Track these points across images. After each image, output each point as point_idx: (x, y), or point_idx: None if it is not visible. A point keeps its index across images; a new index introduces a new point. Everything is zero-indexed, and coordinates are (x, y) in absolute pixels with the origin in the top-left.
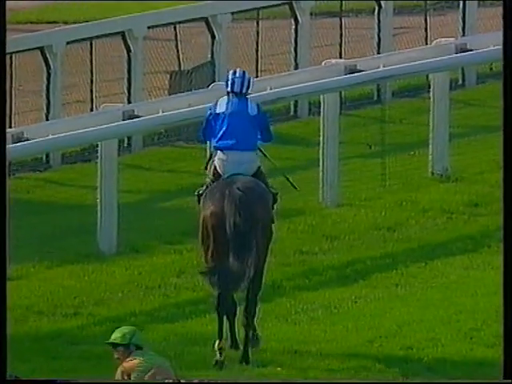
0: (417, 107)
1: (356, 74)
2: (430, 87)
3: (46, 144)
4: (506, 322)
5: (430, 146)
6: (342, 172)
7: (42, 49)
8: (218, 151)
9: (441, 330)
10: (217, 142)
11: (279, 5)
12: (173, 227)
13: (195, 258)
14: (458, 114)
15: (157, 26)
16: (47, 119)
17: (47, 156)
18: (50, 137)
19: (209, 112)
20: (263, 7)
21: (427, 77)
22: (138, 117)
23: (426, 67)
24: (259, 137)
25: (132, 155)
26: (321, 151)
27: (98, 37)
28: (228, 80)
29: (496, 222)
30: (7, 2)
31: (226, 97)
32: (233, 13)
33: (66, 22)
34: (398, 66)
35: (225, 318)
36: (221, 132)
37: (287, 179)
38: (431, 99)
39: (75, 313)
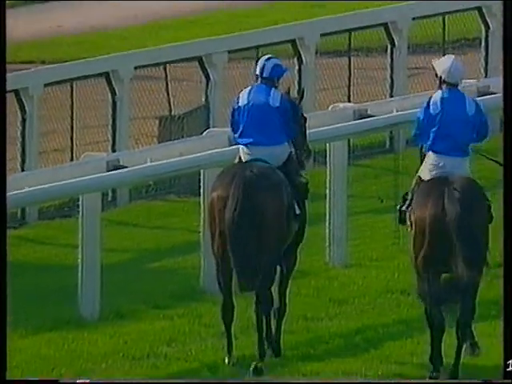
0: None
1: (366, 120)
2: None
3: (21, 197)
4: (505, 322)
5: None
6: (350, 229)
7: (16, 91)
8: (242, 147)
9: None
10: (238, 137)
11: (281, 42)
12: (162, 290)
13: (187, 325)
14: (478, 164)
15: (145, 66)
16: (22, 170)
17: (22, 211)
18: (26, 189)
19: (232, 107)
20: (263, 45)
21: None
22: (123, 167)
23: None
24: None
25: (117, 210)
26: (327, 205)
27: (79, 78)
28: (258, 64)
29: None
30: None
31: (249, 87)
32: (229, 51)
33: (43, 62)
34: (413, 110)
35: (232, 328)
36: (241, 127)
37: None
38: None
39: None
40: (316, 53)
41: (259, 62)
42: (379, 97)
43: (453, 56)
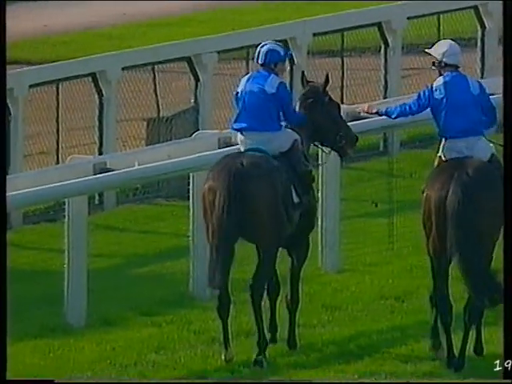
0: (428, 159)
1: (359, 122)
2: None
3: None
4: (505, 321)
5: None
6: (343, 233)
7: None
8: (238, 133)
9: None
10: (233, 123)
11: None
12: (150, 296)
13: (176, 331)
14: None
15: (133, 67)
16: (7, 173)
17: (7, 215)
18: (10, 193)
19: (234, 94)
20: (254, 45)
21: None
22: (110, 170)
23: None
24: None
25: (104, 214)
26: (320, 209)
27: (65, 79)
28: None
29: None
30: None
31: (250, 73)
32: (219, 52)
33: (29, 62)
34: None
35: (228, 322)
36: (237, 113)
37: None
38: None
39: None
40: (308, 53)
41: (257, 48)
42: (372, 98)
43: (448, 40)
